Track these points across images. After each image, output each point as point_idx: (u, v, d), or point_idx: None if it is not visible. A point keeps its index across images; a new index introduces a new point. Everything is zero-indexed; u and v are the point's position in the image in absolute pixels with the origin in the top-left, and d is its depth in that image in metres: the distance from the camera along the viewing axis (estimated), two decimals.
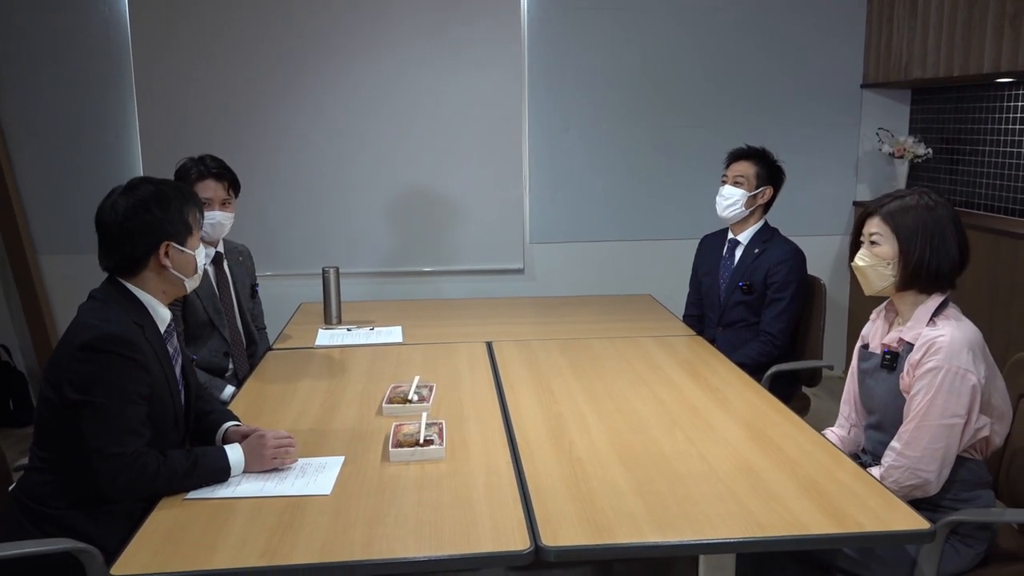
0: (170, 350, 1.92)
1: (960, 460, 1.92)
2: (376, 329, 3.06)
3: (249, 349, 2.90)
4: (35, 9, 4.11)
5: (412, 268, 4.47)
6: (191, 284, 1.95)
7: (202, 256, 1.96)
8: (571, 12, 4.33)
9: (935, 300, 1.97)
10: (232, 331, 2.81)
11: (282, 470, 1.85)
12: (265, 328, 3.13)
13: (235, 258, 2.93)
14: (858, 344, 2.18)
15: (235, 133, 4.21)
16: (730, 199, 3.04)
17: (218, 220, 2.69)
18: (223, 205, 2.71)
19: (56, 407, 1.75)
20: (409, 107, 4.30)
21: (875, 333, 2.12)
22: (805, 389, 3.15)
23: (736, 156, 3.10)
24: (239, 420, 2.05)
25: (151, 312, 1.88)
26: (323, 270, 3.16)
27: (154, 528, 1.60)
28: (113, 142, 4.24)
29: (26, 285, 4.26)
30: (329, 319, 3.16)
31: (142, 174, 4.19)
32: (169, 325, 1.94)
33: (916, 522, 1.59)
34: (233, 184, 2.76)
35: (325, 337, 2.97)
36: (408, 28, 4.24)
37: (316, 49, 4.21)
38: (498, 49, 4.29)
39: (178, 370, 1.95)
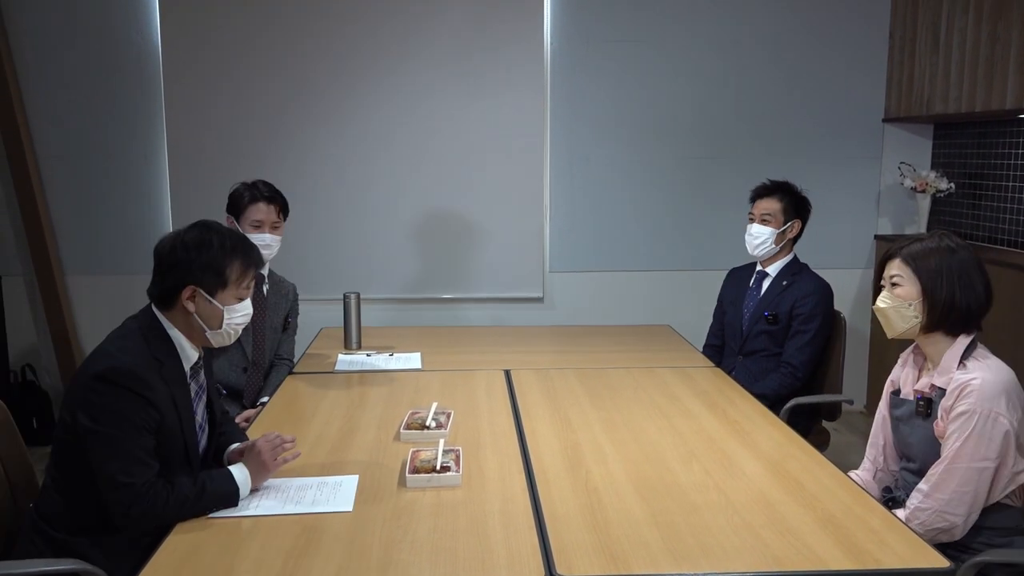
0: (193, 387, 1.92)
1: (997, 505, 1.89)
2: (395, 355, 3.08)
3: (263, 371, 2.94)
4: (68, 35, 4.21)
5: (432, 295, 4.49)
6: (216, 339, 1.89)
7: (236, 315, 1.90)
8: (593, 43, 4.37)
9: (962, 342, 1.95)
10: (257, 350, 2.85)
11: (295, 490, 1.84)
12: (290, 360, 3.06)
13: (277, 288, 2.98)
14: (888, 389, 2.15)
15: (260, 158, 4.27)
16: (759, 238, 3.03)
17: (267, 242, 2.81)
18: (273, 228, 2.84)
19: (72, 430, 1.77)
20: (431, 134, 4.35)
21: (906, 379, 2.10)
22: (825, 423, 3.12)
23: (760, 193, 3.07)
24: (246, 438, 2.05)
25: (178, 349, 1.87)
26: (344, 295, 3.18)
27: (171, 550, 1.61)
28: (142, 165, 4.32)
29: (53, 305, 4.32)
30: (349, 344, 3.18)
31: (169, 197, 4.30)
32: (196, 363, 1.92)
33: (936, 560, 1.57)
34: (283, 208, 2.90)
35: (345, 362, 2.99)
36: (431, 55, 4.29)
37: (340, 75, 4.28)
38: (521, 78, 4.34)
39: (201, 408, 1.94)
